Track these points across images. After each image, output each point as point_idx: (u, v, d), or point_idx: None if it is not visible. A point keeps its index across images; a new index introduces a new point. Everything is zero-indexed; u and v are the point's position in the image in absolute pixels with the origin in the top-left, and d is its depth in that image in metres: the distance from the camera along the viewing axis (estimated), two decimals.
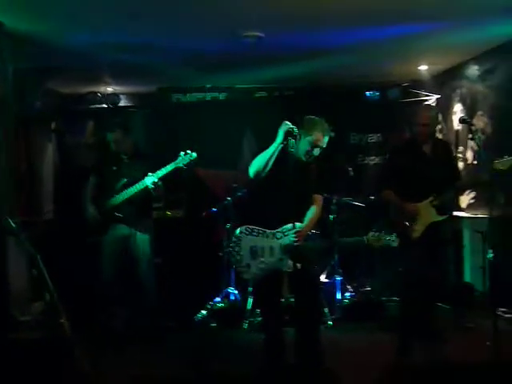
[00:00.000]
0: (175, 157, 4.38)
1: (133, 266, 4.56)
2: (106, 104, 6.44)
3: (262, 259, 3.59)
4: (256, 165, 3.58)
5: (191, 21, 4.35)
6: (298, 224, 3.48)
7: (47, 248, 3.87)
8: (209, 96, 6.94)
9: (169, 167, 4.37)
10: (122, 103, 6.73)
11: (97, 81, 6.17)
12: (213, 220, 5.57)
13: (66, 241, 5.49)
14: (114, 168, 4.56)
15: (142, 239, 4.53)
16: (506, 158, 3.75)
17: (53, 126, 6.37)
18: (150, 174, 4.35)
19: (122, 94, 6.78)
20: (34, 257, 3.17)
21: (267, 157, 3.52)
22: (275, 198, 3.57)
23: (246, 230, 3.66)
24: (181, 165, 4.36)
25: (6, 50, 4.62)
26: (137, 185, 4.41)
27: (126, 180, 4.47)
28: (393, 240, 3.66)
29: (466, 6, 4.14)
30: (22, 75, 5.17)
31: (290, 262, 3.51)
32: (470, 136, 3.66)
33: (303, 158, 3.65)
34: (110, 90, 6.59)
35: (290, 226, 3.47)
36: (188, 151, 4.36)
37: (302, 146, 3.62)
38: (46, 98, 5.92)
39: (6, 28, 4.36)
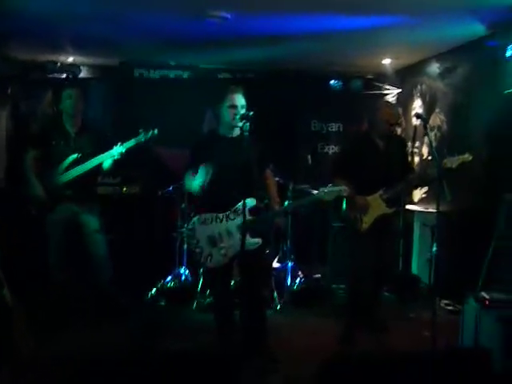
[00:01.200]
0: (135, 133, 4.32)
1: (82, 244, 4.50)
2: (66, 74, 6.27)
3: (222, 244, 3.61)
4: (195, 186, 3.62)
5: None
6: (248, 200, 3.47)
7: None
8: (172, 73, 6.84)
9: (130, 142, 4.31)
10: (83, 74, 6.55)
11: (57, 50, 5.97)
12: (169, 199, 5.54)
13: (13, 212, 5.35)
14: (62, 142, 4.37)
15: (91, 216, 4.47)
16: (457, 156, 3.88)
17: (8, 92, 6.16)
18: (119, 144, 4.28)
19: (83, 65, 6.60)
20: None
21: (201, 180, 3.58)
22: (218, 181, 3.59)
23: (199, 219, 3.68)
24: (142, 140, 4.32)
25: None
26: (92, 160, 4.30)
27: (75, 156, 4.34)
28: (344, 190, 3.69)
29: (432, 5, 4.20)
30: None
31: (251, 239, 3.53)
32: (424, 132, 3.75)
33: (232, 134, 3.68)
34: (70, 60, 6.40)
35: (241, 203, 3.48)
36: (149, 128, 4.32)
37: (224, 118, 3.67)
38: (1, 63, 5.72)
39: None
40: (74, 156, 4.32)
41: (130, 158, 4.51)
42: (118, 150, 4.27)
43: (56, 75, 6.29)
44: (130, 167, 5.79)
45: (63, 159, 4.31)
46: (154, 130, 4.32)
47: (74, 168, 4.31)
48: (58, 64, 6.25)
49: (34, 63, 6.37)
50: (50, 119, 4.53)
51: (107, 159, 4.31)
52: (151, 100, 6.34)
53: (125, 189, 5.75)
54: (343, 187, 3.68)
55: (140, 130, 4.32)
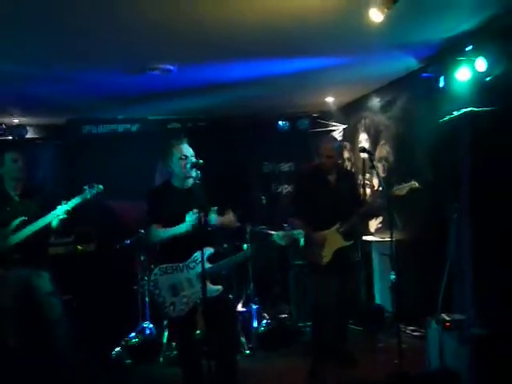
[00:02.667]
0: (81, 190, 4.28)
1: (36, 308, 4.34)
2: (12, 136, 6.20)
3: (184, 293, 3.61)
4: (158, 237, 3.68)
5: (100, 53, 4.31)
6: (206, 249, 3.50)
7: None
8: (121, 127, 6.87)
9: (75, 200, 4.25)
10: (29, 135, 6.49)
11: (1, 111, 5.92)
12: (126, 252, 5.46)
13: None
14: (7, 207, 4.22)
15: (43, 279, 4.34)
16: (403, 184, 4.02)
17: None
18: (63, 203, 4.20)
19: (30, 125, 6.54)
20: None
21: (168, 234, 3.61)
22: (179, 232, 3.60)
23: (160, 270, 3.68)
24: (88, 196, 4.27)
25: None
26: (39, 221, 4.20)
27: (22, 218, 4.19)
28: (300, 234, 3.73)
29: (365, 44, 4.41)
30: None
31: (213, 286, 3.54)
32: (370, 164, 3.89)
33: (186, 184, 3.72)
34: (15, 121, 6.35)
35: (198, 253, 3.49)
36: (93, 184, 4.28)
37: (177, 171, 3.71)
38: None
39: None
40: (21, 219, 4.21)
41: (82, 216, 4.43)
42: (62, 208, 4.20)
43: (0, 137, 6.20)
44: (82, 224, 5.74)
45: (9, 223, 4.21)
46: (98, 185, 4.29)
47: (20, 231, 4.20)
48: (4, 126, 6.19)
49: None
50: None
51: (54, 219, 4.23)
52: (100, 156, 6.33)
53: (79, 247, 5.63)
54: (298, 230, 3.75)
55: (84, 187, 4.28)
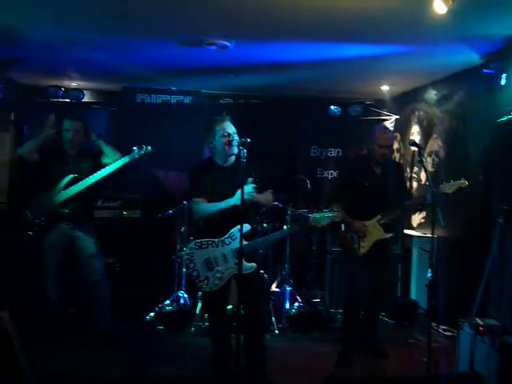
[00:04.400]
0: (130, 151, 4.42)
1: (78, 268, 4.53)
2: (69, 98, 6.38)
3: (218, 268, 3.66)
4: (202, 212, 3.70)
5: (160, 23, 4.35)
6: (245, 226, 3.50)
7: None
8: (174, 99, 6.96)
9: (123, 160, 4.39)
10: (85, 99, 6.67)
11: (60, 75, 6.09)
12: (168, 222, 5.58)
13: (13, 233, 5.39)
14: (61, 163, 4.47)
15: (87, 241, 4.51)
16: (452, 182, 3.94)
17: (12, 116, 6.26)
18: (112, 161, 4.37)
19: (86, 89, 6.72)
20: None
21: (215, 209, 3.63)
22: (225, 207, 3.63)
23: (195, 244, 3.73)
24: (136, 156, 4.40)
25: None
26: (88, 179, 4.37)
27: (72, 176, 4.41)
28: (335, 216, 3.70)
29: (428, 34, 4.29)
30: None
31: (247, 264, 3.56)
32: (419, 159, 3.82)
33: (228, 162, 3.74)
34: (73, 84, 6.53)
35: (236, 228, 3.53)
36: (142, 145, 4.41)
37: (219, 149, 3.73)
38: (6, 88, 5.82)
39: None
40: (71, 176, 4.41)
41: (130, 182, 4.57)
42: (112, 167, 4.35)
43: (59, 99, 6.40)
44: (130, 191, 5.89)
45: (61, 179, 4.39)
46: (146, 147, 4.41)
47: (70, 188, 4.38)
48: (62, 89, 6.38)
49: (37, 88, 6.49)
50: (50, 142, 4.59)
51: (104, 174, 4.38)
52: (152, 125, 6.41)
53: (125, 212, 5.79)
54: (335, 213, 3.70)
55: (134, 148, 4.41)
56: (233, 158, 3.71)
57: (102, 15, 4.15)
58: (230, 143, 3.67)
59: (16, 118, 6.29)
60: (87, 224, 4.57)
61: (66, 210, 4.42)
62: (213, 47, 4.77)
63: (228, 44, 4.74)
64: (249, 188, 3.57)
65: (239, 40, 4.67)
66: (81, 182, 4.38)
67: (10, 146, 6.35)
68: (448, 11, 3.18)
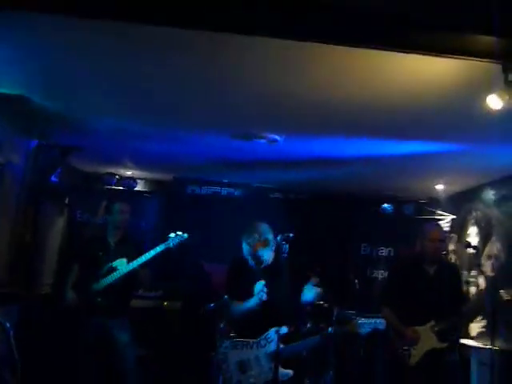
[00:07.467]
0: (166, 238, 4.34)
1: (111, 356, 4.35)
2: (122, 186, 6.54)
3: (252, 372, 3.46)
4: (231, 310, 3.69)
5: (213, 117, 4.45)
6: (283, 328, 3.34)
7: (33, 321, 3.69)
8: (224, 191, 7.00)
9: (158, 248, 4.29)
10: (138, 187, 6.82)
11: (116, 163, 6.30)
12: (210, 316, 5.38)
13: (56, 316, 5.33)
14: (101, 253, 4.41)
15: (123, 331, 4.36)
16: None
17: (66, 200, 6.44)
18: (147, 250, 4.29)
19: (140, 178, 6.89)
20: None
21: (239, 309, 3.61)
22: (246, 308, 3.58)
23: (231, 343, 3.57)
24: (171, 245, 4.30)
25: (31, 125, 4.79)
26: (121, 268, 4.29)
27: (111, 265, 4.34)
28: (380, 322, 3.49)
29: (483, 132, 4.16)
30: (44, 150, 5.30)
31: (283, 370, 3.34)
32: (476, 262, 3.55)
33: (256, 266, 3.66)
34: (128, 173, 6.72)
35: (273, 330, 3.36)
36: (179, 232, 4.32)
37: (245, 251, 3.70)
38: (64, 173, 6.04)
39: (33, 104, 4.52)
40: (110, 265, 4.34)
41: (171, 271, 4.43)
42: (145, 256, 4.26)
43: (113, 187, 6.57)
44: (172, 280, 5.79)
45: (101, 268, 4.33)
46: (182, 234, 4.31)
47: (108, 276, 4.30)
48: (117, 176, 6.57)
49: (92, 174, 6.72)
50: (94, 231, 4.61)
51: (138, 263, 4.29)
52: (201, 215, 6.42)
53: (165, 303, 5.65)
54: (379, 319, 3.47)
55: (169, 236, 4.32)
56: (268, 260, 3.64)
57: (159, 109, 4.29)
58: (256, 249, 3.63)
59: (70, 203, 6.47)
60: (122, 312, 4.44)
61: (102, 300, 4.28)
62: (263, 141, 4.80)
63: (278, 138, 4.76)
64: (312, 291, 3.47)
65: (289, 134, 4.69)
66: (117, 271, 4.30)
67: (63, 229, 6.49)
68: (504, 107, 3.05)
